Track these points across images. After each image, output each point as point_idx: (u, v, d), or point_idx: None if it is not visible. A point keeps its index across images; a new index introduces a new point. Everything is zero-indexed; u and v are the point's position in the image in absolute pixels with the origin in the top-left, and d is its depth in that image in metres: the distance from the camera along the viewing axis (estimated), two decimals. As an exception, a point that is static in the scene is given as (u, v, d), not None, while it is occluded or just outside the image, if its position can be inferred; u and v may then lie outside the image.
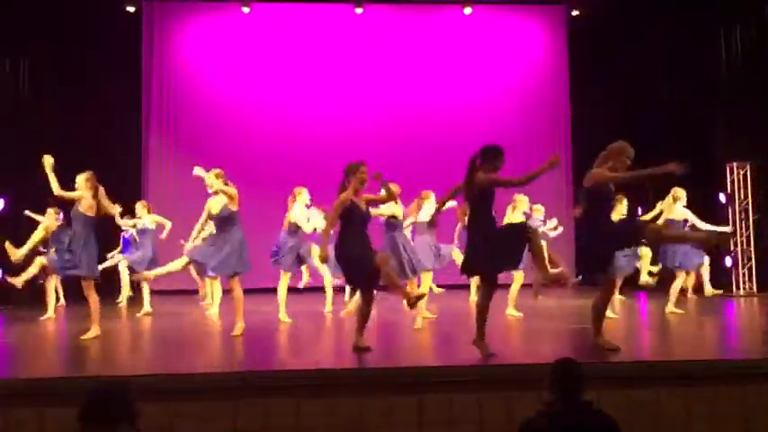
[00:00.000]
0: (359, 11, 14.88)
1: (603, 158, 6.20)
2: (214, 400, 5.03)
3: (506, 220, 9.38)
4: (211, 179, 7.79)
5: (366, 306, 6.46)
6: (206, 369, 5.83)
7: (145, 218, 10.49)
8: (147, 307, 10.11)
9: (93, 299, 7.56)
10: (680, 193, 9.13)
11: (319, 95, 15.16)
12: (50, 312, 9.83)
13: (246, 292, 11.67)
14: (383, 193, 6.80)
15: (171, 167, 14.68)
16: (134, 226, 10.59)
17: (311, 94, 15.15)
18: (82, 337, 7.40)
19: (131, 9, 14.27)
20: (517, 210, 9.44)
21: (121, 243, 11.31)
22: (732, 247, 12.43)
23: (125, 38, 14.43)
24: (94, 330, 7.49)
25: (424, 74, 15.36)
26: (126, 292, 11.61)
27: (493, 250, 5.86)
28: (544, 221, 10.68)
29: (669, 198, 9.20)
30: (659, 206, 9.59)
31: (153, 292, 10.48)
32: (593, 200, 6.06)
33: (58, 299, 10.84)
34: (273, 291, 9.45)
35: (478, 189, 5.89)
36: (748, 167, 12.56)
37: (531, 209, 9.95)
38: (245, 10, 14.77)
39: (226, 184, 7.83)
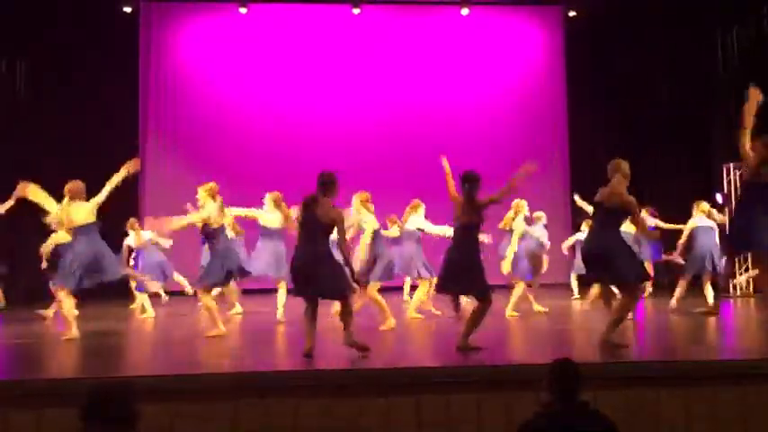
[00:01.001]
0: (356, 11, 14.88)
1: (622, 177, 6.40)
2: (214, 401, 5.03)
3: (506, 224, 9.48)
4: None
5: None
6: (206, 369, 5.84)
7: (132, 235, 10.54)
8: (150, 312, 10.10)
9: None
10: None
11: (317, 96, 15.16)
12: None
13: (246, 292, 11.74)
14: None
15: (168, 168, 14.67)
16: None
17: (309, 94, 15.15)
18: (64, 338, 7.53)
19: (128, 9, 14.26)
20: (519, 215, 9.49)
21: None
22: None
23: (122, 38, 14.41)
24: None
25: (421, 74, 15.37)
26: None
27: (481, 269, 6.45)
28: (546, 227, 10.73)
29: (706, 210, 9.81)
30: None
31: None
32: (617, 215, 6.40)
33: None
34: (272, 291, 9.48)
35: (481, 212, 6.39)
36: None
37: (531, 216, 10.00)
38: (243, 10, 14.76)
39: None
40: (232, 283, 10.05)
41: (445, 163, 7.01)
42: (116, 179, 8.06)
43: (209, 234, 7.85)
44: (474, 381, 5.25)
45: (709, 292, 9.50)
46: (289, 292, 6.95)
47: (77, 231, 7.89)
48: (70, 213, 7.85)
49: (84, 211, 7.87)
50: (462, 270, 6.43)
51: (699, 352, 6.40)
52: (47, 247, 9.86)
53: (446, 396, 5.14)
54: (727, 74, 13.09)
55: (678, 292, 9.90)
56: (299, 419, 5.01)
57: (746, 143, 6.51)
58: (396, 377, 5.34)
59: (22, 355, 6.90)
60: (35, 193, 8.07)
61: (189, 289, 10.79)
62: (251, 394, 5.08)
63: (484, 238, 9.13)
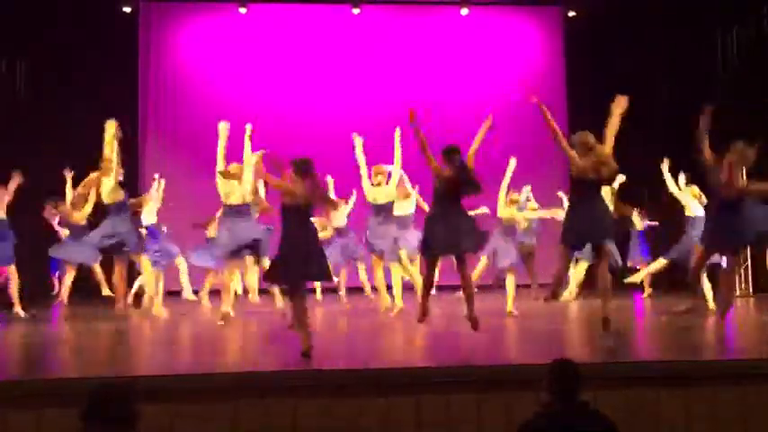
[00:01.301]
0: (356, 11, 14.88)
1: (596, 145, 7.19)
2: (214, 401, 5.03)
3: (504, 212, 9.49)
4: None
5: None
6: (206, 369, 5.83)
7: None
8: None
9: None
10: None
11: (316, 96, 15.15)
12: None
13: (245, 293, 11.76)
14: None
15: (168, 167, 14.64)
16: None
17: (308, 94, 15.14)
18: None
19: (127, 9, 14.24)
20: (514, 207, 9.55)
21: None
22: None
23: (122, 38, 14.39)
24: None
25: (420, 74, 15.36)
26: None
27: None
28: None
29: (698, 194, 9.56)
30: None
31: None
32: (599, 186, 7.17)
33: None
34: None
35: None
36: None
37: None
38: (242, 10, 14.76)
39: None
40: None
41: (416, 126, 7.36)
42: (112, 146, 8.37)
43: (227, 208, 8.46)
44: (474, 381, 5.25)
45: (706, 287, 9.38)
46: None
47: (108, 210, 8.66)
48: (99, 190, 8.30)
49: (106, 190, 8.26)
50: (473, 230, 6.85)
51: (699, 352, 6.40)
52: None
53: (446, 396, 5.14)
54: (727, 74, 13.09)
55: (651, 268, 9.92)
56: (298, 419, 5.01)
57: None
58: (395, 377, 5.34)
59: (20, 355, 6.90)
60: (111, 134, 8.23)
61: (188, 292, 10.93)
62: (251, 394, 5.08)
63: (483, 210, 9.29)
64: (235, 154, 14.51)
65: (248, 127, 8.52)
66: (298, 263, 6.12)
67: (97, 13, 13.76)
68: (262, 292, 11.01)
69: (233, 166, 8.45)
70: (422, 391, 5.16)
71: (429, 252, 6.89)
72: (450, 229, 6.70)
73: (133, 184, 14.40)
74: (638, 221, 12.06)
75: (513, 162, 9.49)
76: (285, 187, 6.23)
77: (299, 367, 5.77)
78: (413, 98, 15.26)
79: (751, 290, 12.41)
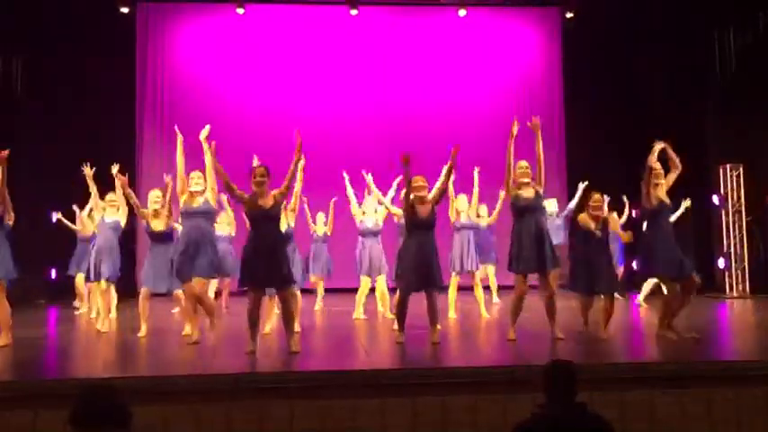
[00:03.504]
0: (354, 12, 14.86)
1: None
2: (208, 403, 5.01)
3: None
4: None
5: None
6: (200, 370, 5.81)
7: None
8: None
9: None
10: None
11: (314, 97, 15.13)
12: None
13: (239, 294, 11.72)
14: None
15: (165, 168, 14.62)
16: None
17: (306, 95, 15.13)
18: None
19: (125, 10, 14.21)
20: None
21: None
22: (725, 249, 12.47)
23: (120, 39, 14.37)
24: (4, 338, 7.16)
25: (418, 76, 15.35)
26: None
27: None
28: None
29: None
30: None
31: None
32: None
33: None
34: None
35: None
36: (741, 169, 12.58)
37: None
38: (240, 11, 14.74)
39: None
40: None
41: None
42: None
43: None
44: (470, 382, 5.24)
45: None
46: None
47: None
48: None
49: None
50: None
51: (694, 353, 6.40)
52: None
53: (441, 398, 5.13)
54: (725, 75, 13.10)
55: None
56: (292, 421, 4.99)
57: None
58: (391, 378, 5.33)
59: (17, 356, 6.87)
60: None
61: None
62: (244, 396, 5.07)
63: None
64: (233, 155, 14.56)
65: (205, 130, 8.12)
66: (259, 269, 6.49)
67: (95, 14, 13.73)
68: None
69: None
70: (418, 392, 5.16)
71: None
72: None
73: (131, 184, 14.38)
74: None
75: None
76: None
77: (293, 368, 5.76)
78: (410, 99, 15.30)
79: (748, 291, 12.43)
